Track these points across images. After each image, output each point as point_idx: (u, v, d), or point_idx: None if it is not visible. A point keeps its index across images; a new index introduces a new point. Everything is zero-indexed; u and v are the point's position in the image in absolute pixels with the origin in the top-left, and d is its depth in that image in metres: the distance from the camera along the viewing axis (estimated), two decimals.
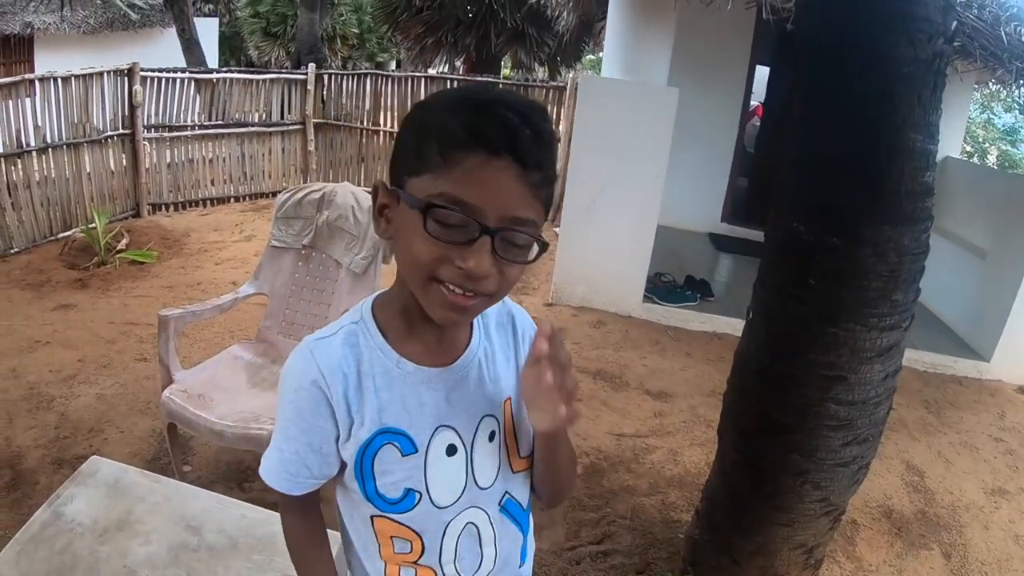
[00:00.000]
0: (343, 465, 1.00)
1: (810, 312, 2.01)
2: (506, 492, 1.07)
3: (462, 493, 1.02)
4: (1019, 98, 13.77)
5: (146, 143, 6.84)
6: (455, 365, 1.00)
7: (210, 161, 7.49)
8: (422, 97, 8.25)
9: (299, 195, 3.12)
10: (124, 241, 5.90)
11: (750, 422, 2.22)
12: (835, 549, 3.13)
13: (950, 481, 3.94)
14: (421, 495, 0.99)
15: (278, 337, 3.11)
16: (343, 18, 16.13)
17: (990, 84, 8.14)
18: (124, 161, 6.71)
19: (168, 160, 7.14)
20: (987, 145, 16.43)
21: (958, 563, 3.25)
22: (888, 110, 1.87)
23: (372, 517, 1.01)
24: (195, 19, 10.73)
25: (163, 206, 7.16)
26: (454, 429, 1.00)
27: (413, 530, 1.01)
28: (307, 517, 1.10)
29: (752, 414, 2.22)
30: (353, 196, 3.05)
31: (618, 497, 3.21)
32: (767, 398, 2.16)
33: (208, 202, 7.56)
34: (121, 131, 6.59)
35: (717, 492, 2.44)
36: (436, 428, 0.99)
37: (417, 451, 0.98)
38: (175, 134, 7.15)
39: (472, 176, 0.81)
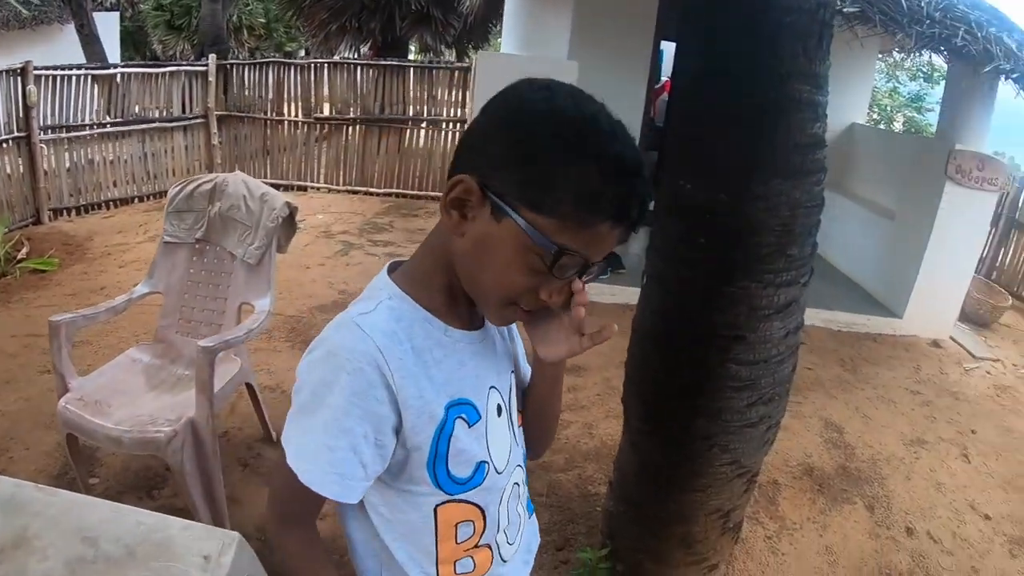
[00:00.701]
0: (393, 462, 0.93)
1: (703, 272, 1.97)
2: (520, 445, 1.11)
3: (510, 452, 1.04)
4: (922, 65, 14.31)
5: (43, 145, 6.49)
6: (485, 327, 1.01)
7: (111, 162, 7.18)
8: (325, 85, 8.09)
9: (190, 187, 3.00)
10: (24, 250, 5.62)
11: (652, 389, 2.18)
12: (758, 510, 3.17)
13: (869, 435, 4.04)
14: (488, 464, 0.98)
15: (176, 336, 2.98)
16: (249, 8, 15.65)
17: (894, 53, 8.38)
18: (21, 166, 6.35)
19: (68, 163, 6.80)
20: (893, 113, 16.96)
21: (882, 514, 3.32)
22: (772, 61, 1.83)
23: (437, 507, 0.96)
24: (95, 14, 10.30)
25: (64, 211, 6.81)
26: (497, 389, 1.02)
27: (478, 506, 0.99)
28: (312, 531, 0.98)
29: (653, 381, 2.18)
30: (244, 185, 2.93)
31: (534, 475, 3.18)
32: (667, 363, 2.12)
33: (111, 204, 7.23)
34: (16, 134, 6.23)
35: (627, 463, 2.40)
36: (489, 390, 1.00)
37: (481, 418, 0.97)
38: (74, 134, 6.80)
39: (597, 239, 0.85)
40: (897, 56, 9.25)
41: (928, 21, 4.42)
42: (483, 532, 1.00)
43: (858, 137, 7.57)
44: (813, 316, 5.54)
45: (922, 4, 4.44)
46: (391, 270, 0.98)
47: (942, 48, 4.76)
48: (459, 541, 0.98)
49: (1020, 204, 7.71)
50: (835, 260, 6.98)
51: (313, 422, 0.87)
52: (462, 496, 0.96)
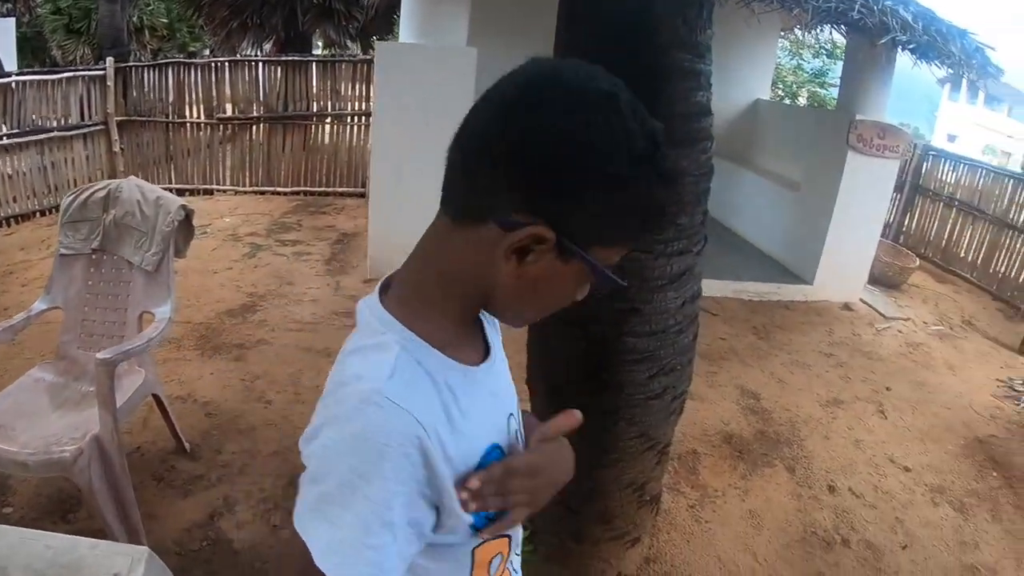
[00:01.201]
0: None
1: None
2: None
3: None
4: (824, 43, 14.70)
5: None
6: (493, 353, 0.93)
7: (9, 176, 6.84)
8: (227, 84, 7.87)
9: (83, 196, 2.89)
10: None
11: (553, 369, 2.18)
12: (678, 480, 3.22)
13: (786, 399, 4.15)
14: None
15: (78, 351, 2.87)
16: (150, 8, 15.11)
17: (796, 30, 8.61)
18: None
19: None
20: (797, 89, 17.42)
21: (803, 474, 3.42)
22: (652, 31, 1.84)
23: (475, 550, 0.88)
24: None
25: None
26: (513, 414, 0.95)
27: (507, 536, 0.94)
28: None
29: (553, 360, 2.19)
30: (139, 190, 2.85)
31: None
32: (565, 342, 2.12)
33: (11, 220, 6.87)
34: None
35: None
36: (508, 419, 0.92)
37: (505, 453, 0.89)
38: None
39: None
40: (799, 33, 9.51)
41: None
42: (508, 557, 0.96)
43: (762, 112, 7.76)
44: (724, 287, 5.70)
45: None
46: (382, 292, 0.87)
47: (839, 22, 4.90)
48: (491, 575, 0.94)
49: (923, 171, 8.04)
50: (744, 232, 7.15)
51: (347, 516, 0.73)
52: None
